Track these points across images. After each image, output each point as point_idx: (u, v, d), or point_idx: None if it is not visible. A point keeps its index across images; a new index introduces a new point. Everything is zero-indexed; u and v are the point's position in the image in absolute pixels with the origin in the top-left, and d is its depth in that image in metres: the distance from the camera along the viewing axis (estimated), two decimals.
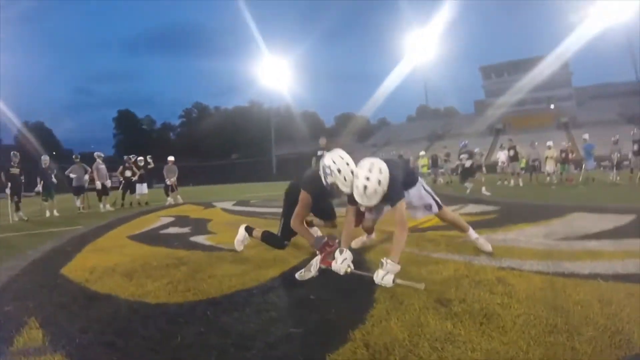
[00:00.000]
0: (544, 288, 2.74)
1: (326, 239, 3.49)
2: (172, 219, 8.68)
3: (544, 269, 3.27)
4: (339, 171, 3.22)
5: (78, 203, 13.12)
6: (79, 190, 13.32)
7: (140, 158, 14.97)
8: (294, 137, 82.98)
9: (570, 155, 17.25)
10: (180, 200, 14.69)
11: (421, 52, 74.62)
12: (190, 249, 4.85)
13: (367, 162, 3.20)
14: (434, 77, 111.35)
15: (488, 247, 3.83)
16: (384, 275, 2.83)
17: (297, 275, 3.29)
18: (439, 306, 2.40)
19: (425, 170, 20.72)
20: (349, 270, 3.06)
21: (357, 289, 2.91)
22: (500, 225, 5.67)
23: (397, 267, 2.93)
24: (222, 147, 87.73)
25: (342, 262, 3.10)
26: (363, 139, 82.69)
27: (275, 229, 4.23)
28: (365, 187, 3.04)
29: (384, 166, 3.16)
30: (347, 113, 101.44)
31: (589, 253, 3.78)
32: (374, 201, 3.16)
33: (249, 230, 4.44)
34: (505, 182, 18.00)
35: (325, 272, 3.25)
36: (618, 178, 15.69)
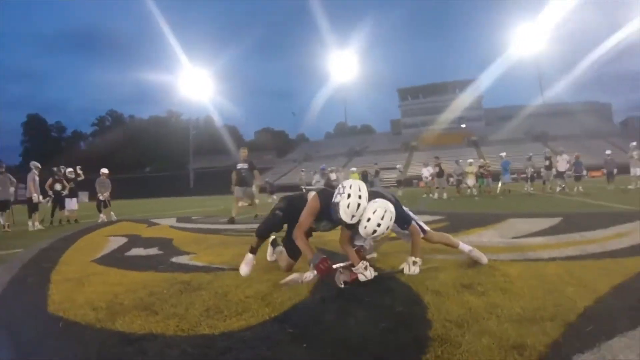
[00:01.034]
0: (525, 270, 3.67)
1: (324, 256, 3.44)
2: (124, 238, 7.86)
3: (517, 257, 4.23)
4: (349, 196, 3.36)
5: (2, 220, 11.60)
6: (3, 206, 11.71)
7: (70, 170, 13.94)
8: (212, 150, 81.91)
9: (487, 170, 19.37)
10: (114, 217, 13.70)
11: (343, 72, 78.64)
12: (187, 272, 4.32)
13: (380, 208, 3.36)
14: (353, 96, 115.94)
15: (484, 260, 3.96)
16: (413, 268, 3.55)
17: (281, 281, 3.45)
18: (466, 289, 3.15)
19: None
20: (375, 273, 3.49)
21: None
22: (456, 231, 6.50)
23: (420, 261, 3.65)
24: (136, 158, 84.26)
25: (367, 270, 3.42)
26: (282, 154, 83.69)
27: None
28: (374, 232, 3.33)
29: (394, 213, 3.42)
30: (267, 128, 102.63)
31: (541, 245, 4.86)
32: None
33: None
34: (430, 195, 19.77)
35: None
36: (532, 189, 18.27)
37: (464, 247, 4.07)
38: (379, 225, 3.29)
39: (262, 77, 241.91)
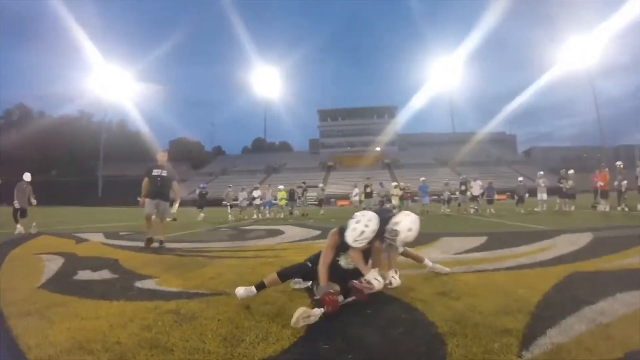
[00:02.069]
0: (479, 279, 4.48)
1: (332, 290, 3.46)
2: (58, 257, 6.82)
3: (467, 270, 5.04)
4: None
5: (22, 228, 11.10)
6: (23, 213, 11.27)
7: None
8: (124, 158, 77.66)
9: (408, 193, 20.95)
10: (35, 230, 11.98)
11: (265, 87, 79.36)
12: (166, 299, 3.87)
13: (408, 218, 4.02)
14: (274, 112, 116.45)
15: (446, 270, 4.68)
16: (397, 280, 3.95)
17: (292, 322, 2.99)
18: (443, 296, 3.79)
19: (283, 202, 22.35)
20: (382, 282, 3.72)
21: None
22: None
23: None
24: (41, 160, 75.84)
25: (376, 279, 3.62)
26: (198, 166, 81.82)
27: (207, 269, 4.67)
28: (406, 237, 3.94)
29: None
30: (183, 138, 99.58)
31: (482, 259, 5.76)
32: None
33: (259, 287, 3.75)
34: None
35: None
36: (449, 210, 20.60)
37: (428, 262, 4.74)
38: (410, 230, 3.90)
39: (183, 83, 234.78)
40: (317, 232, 10.77)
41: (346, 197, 31.21)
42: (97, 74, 67.75)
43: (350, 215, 3.93)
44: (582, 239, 7.24)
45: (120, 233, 11.98)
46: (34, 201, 13.19)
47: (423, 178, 21.91)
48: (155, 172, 8.41)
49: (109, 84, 67.07)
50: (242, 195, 21.66)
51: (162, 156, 8.80)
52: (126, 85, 70.04)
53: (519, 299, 3.49)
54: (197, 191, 22.77)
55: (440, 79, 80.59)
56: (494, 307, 3.27)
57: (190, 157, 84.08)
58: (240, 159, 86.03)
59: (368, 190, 19.96)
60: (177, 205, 9.02)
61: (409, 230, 3.87)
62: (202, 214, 19.58)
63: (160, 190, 8.40)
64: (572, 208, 17.90)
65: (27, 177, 13.22)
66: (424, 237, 8.94)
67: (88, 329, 2.99)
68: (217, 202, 26.69)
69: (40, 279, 5.09)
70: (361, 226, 3.61)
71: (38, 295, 4.22)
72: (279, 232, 11.25)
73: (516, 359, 2.32)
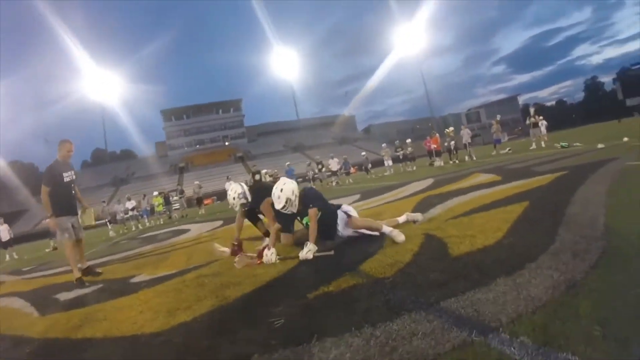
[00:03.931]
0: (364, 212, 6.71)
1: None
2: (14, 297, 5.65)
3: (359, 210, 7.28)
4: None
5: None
6: None
7: None
8: None
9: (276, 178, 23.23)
10: None
11: (103, 94, 73.63)
12: (170, 279, 4.48)
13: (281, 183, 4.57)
14: (112, 119, 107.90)
15: (401, 238, 4.00)
16: (306, 252, 4.11)
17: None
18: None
19: (160, 208, 22.72)
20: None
21: None
22: None
23: (315, 247, 4.20)
24: None
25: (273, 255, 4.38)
26: (36, 191, 72.52)
27: (168, 260, 6.07)
28: (279, 198, 4.46)
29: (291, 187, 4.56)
30: (16, 161, 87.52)
31: (362, 205, 8.08)
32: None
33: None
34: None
35: None
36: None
37: (386, 229, 4.30)
38: (281, 190, 4.44)
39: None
40: (220, 222, 11.83)
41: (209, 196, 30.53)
42: None
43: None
44: (427, 182, 10.21)
45: (24, 269, 10.19)
46: None
47: (288, 162, 24.37)
48: (66, 175, 5.94)
49: None
50: (118, 208, 21.46)
51: (70, 149, 6.16)
52: None
53: (399, 214, 5.59)
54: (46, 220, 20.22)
55: (281, 69, 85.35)
56: (390, 218, 5.43)
57: (26, 182, 74.77)
58: (81, 175, 79.38)
59: (257, 178, 20.74)
60: (91, 215, 6.77)
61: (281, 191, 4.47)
62: (53, 244, 17.30)
63: (75, 202, 6.19)
64: (414, 168, 21.82)
65: None
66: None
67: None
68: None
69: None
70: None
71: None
72: (186, 230, 11.51)
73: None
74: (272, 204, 4.66)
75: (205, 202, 31.16)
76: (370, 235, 4.37)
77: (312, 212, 4.32)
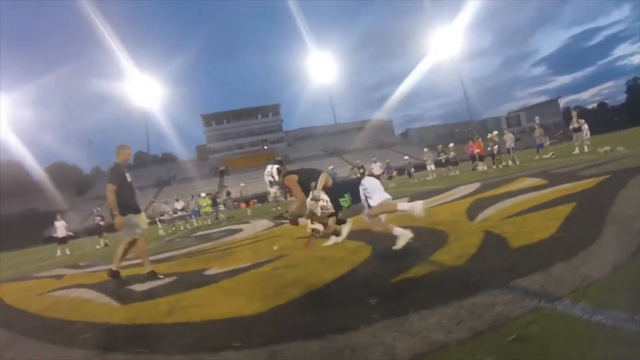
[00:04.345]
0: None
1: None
2: (84, 290, 5.92)
3: None
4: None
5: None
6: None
7: None
8: None
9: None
10: None
11: (144, 97, 76.47)
12: (248, 270, 5.28)
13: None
14: (155, 123, 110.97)
15: (420, 208, 4.33)
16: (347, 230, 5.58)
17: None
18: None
19: (208, 209, 23.75)
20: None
21: None
22: None
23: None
24: None
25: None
26: (81, 191, 75.50)
27: (233, 255, 6.76)
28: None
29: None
30: (60, 162, 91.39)
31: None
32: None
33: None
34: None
35: None
36: None
37: (403, 206, 4.54)
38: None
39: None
40: (271, 224, 11.80)
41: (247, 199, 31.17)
42: None
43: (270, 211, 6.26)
44: (474, 186, 10.61)
45: (81, 263, 10.73)
46: None
47: (331, 167, 25.08)
48: (128, 176, 6.18)
49: None
50: (167, 208, 22.45)
51: (129, 153, 6.44)
52: None
53: (454, 214, 6.29)
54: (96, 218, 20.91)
55: (318, 73, 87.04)
56: (448, 218, 6.03)
57: (70, 183, 78.07)
58: None
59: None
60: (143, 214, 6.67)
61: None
62: (103, 241, 18.59)
63: (137, 201, 6.40)
64: (457, 172, 22.07)
65: None
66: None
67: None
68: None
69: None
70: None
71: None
72: (239, 230, 11.86)
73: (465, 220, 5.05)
74: (299, 181, 5.55)
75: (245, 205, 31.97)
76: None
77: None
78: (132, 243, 6.01)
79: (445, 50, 73.37)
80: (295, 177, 5.70)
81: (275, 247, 6.13)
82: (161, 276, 5.78)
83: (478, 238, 4.19)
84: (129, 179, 6.14)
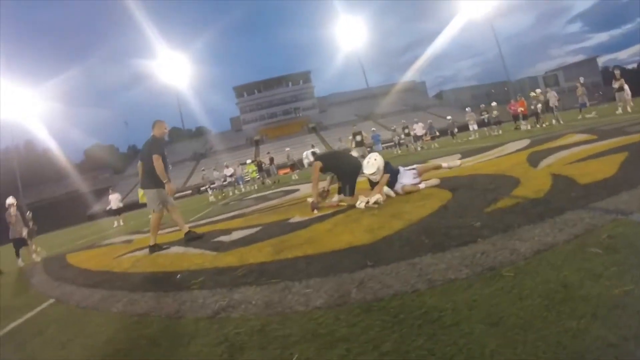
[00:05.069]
0: (477, 165, 8.00)
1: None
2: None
3: (469, 162, 8.57)
4: None
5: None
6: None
7: None
8: (34, 181, 72.61)
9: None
10: (39, 258, 10.19)
11: (175, 75, 78.20)
12: (312, 223, 6.95)
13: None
14: (187, 99, 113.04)
15: (458, 163, 7.04)
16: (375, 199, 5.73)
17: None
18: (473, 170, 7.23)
19: (254, 175, 24.99)
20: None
21: None
22: None
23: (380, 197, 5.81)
24: None
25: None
26: (119, 170, 77.84)
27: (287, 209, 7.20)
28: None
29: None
30: (97, 144, 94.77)
31: (470, 161, 9.33)
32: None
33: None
34: None
35: None
36: (399, 151, 24.64)
37: (445, 165, 6.74)
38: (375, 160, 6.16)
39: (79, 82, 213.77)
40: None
41: (285, 166, 32.10)
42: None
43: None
44: (524, 142, 11.13)
45: (143, 230, 11.48)
46: (32, 226, 11.16)
47: (374, 128, 25.69)
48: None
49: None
50: (217, 175, 23.45)
51: (167, 127, 6.87)
52: (25, 103, 65.31)
53: (516, 163, 6.96)
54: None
55: (347, 38, 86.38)
56: (511, 167, 6.72)
57: (109, 163, 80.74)
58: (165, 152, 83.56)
59: (358, 138, 21.51)
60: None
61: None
62: (117, 222, 19.54)
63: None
64: (500, 132, 22.28)
65: (10, 200, 10.31)
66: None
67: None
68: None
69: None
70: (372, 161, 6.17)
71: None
72: (295, 190, 12.71)
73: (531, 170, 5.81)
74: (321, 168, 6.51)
75: (284, 171, 32.84)
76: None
77: (386, 177, 6.08)
78: (160, 216, 6.56)
79: (477, 7, 71.18)
80: (319, 164, 6.52)
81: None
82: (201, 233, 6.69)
83: (547, 179, 4.86)
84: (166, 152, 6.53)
